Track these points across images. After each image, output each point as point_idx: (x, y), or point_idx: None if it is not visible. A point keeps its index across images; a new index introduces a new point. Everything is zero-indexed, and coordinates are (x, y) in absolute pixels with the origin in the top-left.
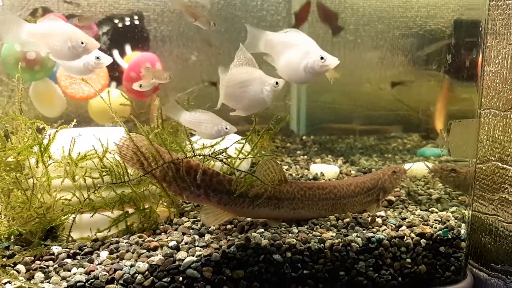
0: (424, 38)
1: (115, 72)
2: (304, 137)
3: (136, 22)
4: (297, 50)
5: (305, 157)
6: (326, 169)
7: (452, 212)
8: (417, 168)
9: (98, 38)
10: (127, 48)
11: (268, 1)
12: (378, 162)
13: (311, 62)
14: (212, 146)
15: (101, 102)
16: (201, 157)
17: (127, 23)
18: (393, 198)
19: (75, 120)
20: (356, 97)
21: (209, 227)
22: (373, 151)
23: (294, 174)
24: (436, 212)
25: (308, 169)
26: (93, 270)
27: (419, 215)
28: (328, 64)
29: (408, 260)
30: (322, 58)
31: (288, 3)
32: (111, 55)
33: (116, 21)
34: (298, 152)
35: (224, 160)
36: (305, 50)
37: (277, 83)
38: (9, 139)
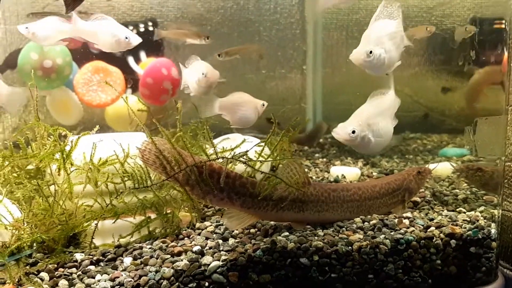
0: (439, 38)
1: (131, 79)
2: (321, 140)
3: (150, 28)
4: None
5: (324, 159)
6: (347, 171)
7: (480, 212)
8: (441, 168)
9: None
10: (142, 54)
11: (281, 4)
12: (399, 164)
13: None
14: (232, 149)
15: (117, 108)
16: (223, 159)
17: (141, 29)
18: (418, 199)
19: (97, 126)
20: None
21: (233, 231)
22: (393, 153)
23: (314, 177)
24: (464, 212)
25: (328, 172)
26: (118, 277)
27: (447, 215)
28: None
29: (438, 261)
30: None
31: (301, 5)
32: (126, 62)
33: (131, 28)
34: (317, 155)
35: (247, 162)
36: None
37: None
38: (29, 147)
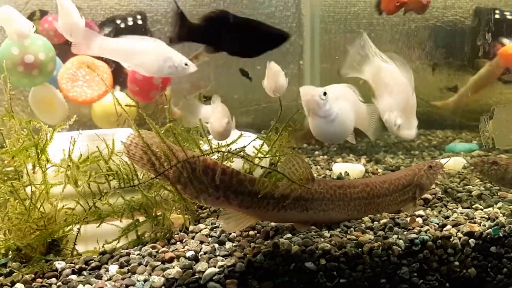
0: (441, 30)
1: (119, 75)
2: None
3: (139, 22)
4: None
5: (325, 157)
6: (351, 168)
7: (499, 208)
8: (452, 163)
9: None
10: None
11: None
12: (405, 160)
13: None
14: (229, 145)
15: (104, 105)
16: (219, 154)
17: (130, 23)
18: (429, 196)
19: (75, 116)
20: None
21: (230, 234)
22: (397, 149)
23: (316, 175)
24: (481, 209)
25: (330, 169)
26: (102, 287)
27: (462, 213)
28: None
29: (456, 263)
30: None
31: None
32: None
33: (118, 21)
34: (317, 152)
35: (245, 157)
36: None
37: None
38: (3, 145)
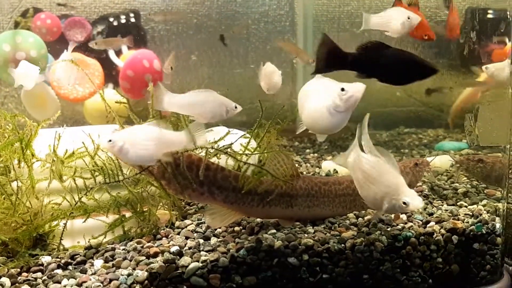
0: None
1: (111, 73)
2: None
3: (132, 20)
4: None
5: (315, 155)
6: (339, 166)
7: (483, 205)
8: (439, 161)
9: (92, 37)
10: (123, 47)
11: None
12: (395, 158)
13: None
14: (216, 142)
15: (96, 103)
16: (203, 150)
17: (123, 21)
18: None
19: (59, 112)
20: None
21: (215, 229)
22: (387, 147)
23: (305, 172)
24: (466, 206)
25: (320, 167)
26: (86, 281)
27: (447, 210)
28: None
29: (439, 259)
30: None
31: None
32: (106, 54)
33: (111, 19)
34: (308, 150)
35: (230, 153)
36: None
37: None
38: None
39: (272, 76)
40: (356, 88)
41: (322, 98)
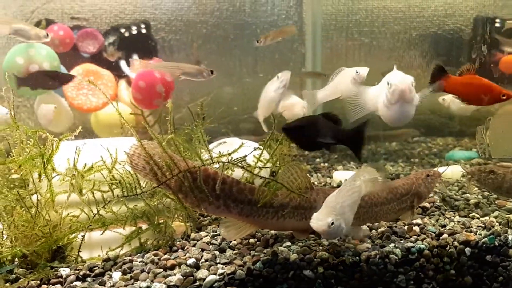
0: (442, 38)
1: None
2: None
3: (143, 30)
4: None
5: (326, 164)
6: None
7: (495, 217)
8: (451, 172)
9: (104, 48)
10: (135, 57)
11: (278, 6)
12: (405, 168)
13: None
14: (230, 154)
15: (107, 114)
16: (219, 164)
17: (134, 32)
18: (427, 205)
19: (80, 127)
20: None
21: (230, 241)
22: (397, 156)
23: (316, 183)
24: (478, 218)
25: (331, 177)
26: None
27: (459, 221)
28: None
29: (452, 271)
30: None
31: (300, 6)
32: (118, 65)
33: (123, 30)
34: (318, 160)
35: (245, 167)
36: None
37: None
38: (10, 154)
39: (294, 107)
40: (399, 80)
41: (380, 96)
